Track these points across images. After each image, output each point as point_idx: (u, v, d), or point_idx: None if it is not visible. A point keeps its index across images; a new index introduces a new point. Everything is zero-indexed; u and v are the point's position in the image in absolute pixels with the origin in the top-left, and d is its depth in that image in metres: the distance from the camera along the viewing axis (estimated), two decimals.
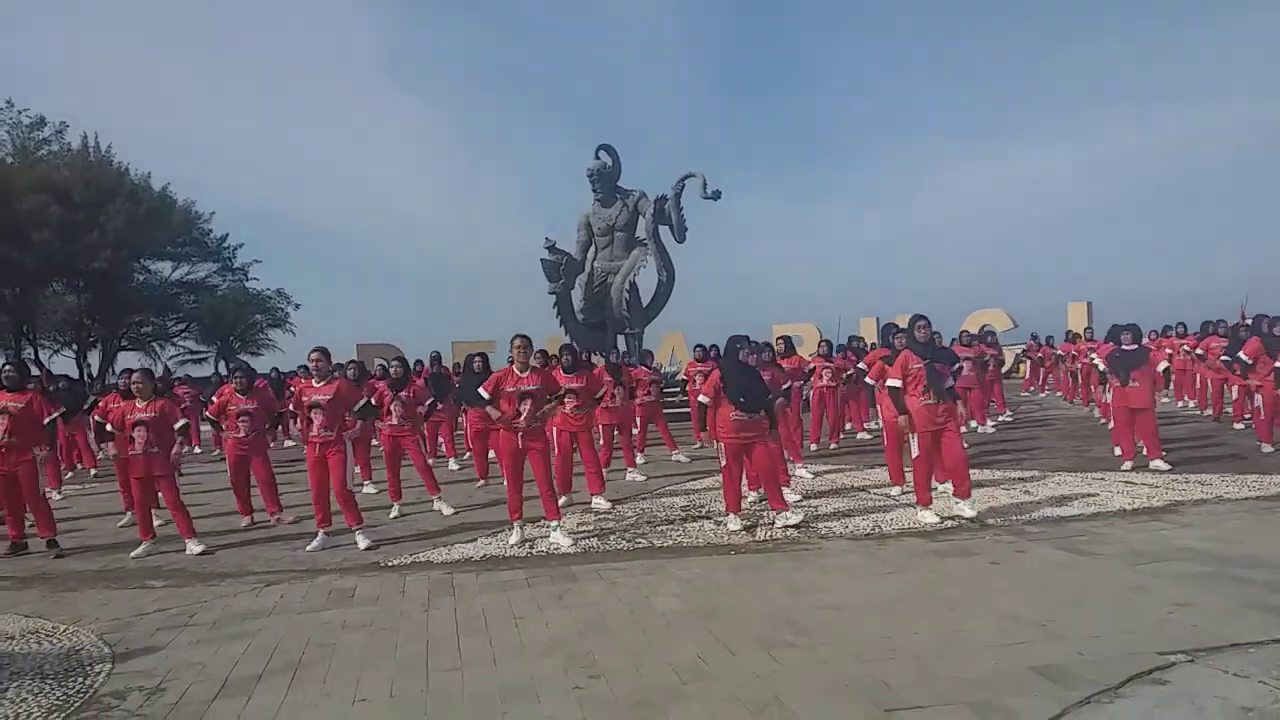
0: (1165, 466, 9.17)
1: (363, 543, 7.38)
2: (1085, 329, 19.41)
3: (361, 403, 7.89)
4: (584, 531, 7.67)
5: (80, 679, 4.51)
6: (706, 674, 4.10)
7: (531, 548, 7.05)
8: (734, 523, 7.38)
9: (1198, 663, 3.93)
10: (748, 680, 3.98)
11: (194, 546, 7.59)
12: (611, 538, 7.34)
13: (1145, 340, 10.59)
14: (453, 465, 12.86)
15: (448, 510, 8.93)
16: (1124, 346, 9.41)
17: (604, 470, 9.42)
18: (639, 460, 11.39)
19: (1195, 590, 5.00)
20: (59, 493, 11.51)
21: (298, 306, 39.58)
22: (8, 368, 8.18)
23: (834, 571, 5.90)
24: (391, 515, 8.87)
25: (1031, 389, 21.86)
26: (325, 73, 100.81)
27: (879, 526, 7.20)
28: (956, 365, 7.87)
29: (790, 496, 8.12)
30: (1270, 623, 4.37)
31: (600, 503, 8.84)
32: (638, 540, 7.18)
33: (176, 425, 7.84)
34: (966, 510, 7.21)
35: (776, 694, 3.79)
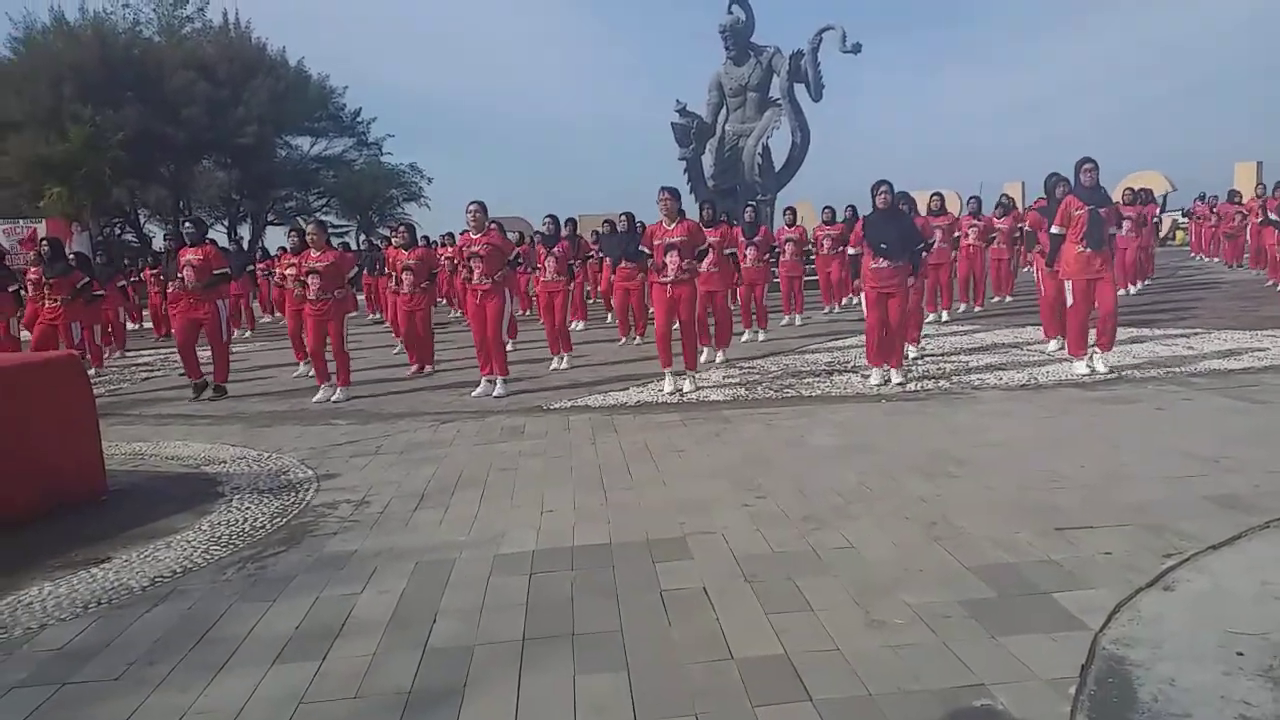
0: None
1: (499, 389, 7.77)
2: (1257, 186, 17.68)
3: (514, 253, 8.12)
4: (730, 383, 7.88)
5: (292, 493, 5.05)
6: (870, 496, 4.27)
7: (682, 396, 7.31)
8: (875, 376, 7.36)
9: None
10: (913, 501, 4.13)
11: (341, 393, 8.12)
12: (759, 388, 7.51)
13: None
14: (579, 325, 13.17)
15: (564, 366, 9.29)
16: None
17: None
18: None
19: None
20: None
21: (430, 180, 40.33)
22: (188, 224, 8.86)
23: (991, 415, 5.92)
24: (552, 368, 9.28)
25: (1198, 254, 20.53)
26: None
27: (1034, 378, 7.11)
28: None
29: (911, 352, 8.18)
30: None
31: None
32: (785, 390, 7.33)
33: (349, 274, 8.35)
34: (1100, 365, 7.05)
35: (944, 514, 3.93)
